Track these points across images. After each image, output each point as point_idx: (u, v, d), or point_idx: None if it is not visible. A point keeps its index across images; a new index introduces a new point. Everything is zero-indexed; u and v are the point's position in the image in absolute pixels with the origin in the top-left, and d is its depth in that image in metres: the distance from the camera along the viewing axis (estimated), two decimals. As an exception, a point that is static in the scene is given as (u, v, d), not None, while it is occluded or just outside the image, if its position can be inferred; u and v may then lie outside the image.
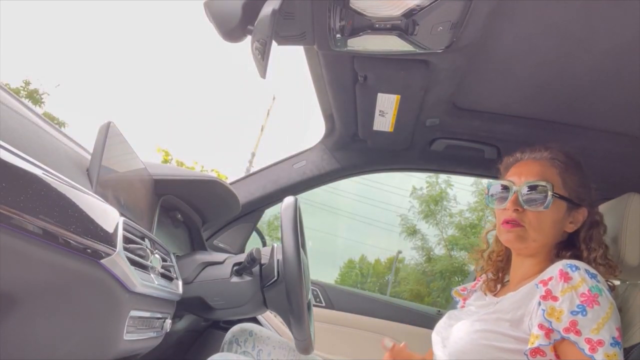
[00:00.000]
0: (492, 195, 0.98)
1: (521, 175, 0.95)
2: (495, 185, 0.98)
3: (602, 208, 1.07)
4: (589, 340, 0.76)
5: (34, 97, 10.55)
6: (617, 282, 1.08)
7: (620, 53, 0.95)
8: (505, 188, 0.95)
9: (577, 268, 0.82)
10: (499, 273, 1.06)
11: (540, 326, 0.81)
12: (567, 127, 1.27)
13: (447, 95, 1.22)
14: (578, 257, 0.91)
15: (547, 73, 1.08)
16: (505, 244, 0.97)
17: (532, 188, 0.91)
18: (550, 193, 0.89)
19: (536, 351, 0.81)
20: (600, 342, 0.75)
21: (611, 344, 0.75)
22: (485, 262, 1.09)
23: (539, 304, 0.83)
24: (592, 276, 0.81)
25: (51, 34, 22.95)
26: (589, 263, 0.89)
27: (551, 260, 0.93)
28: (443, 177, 8.97)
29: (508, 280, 1.04)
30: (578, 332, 0.77)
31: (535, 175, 0.93)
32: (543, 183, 0.91)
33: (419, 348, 1.68)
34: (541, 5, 0.86)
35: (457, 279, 8.55)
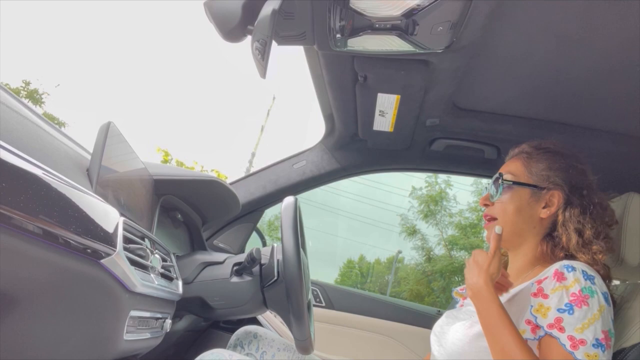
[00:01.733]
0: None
1: None
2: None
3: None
4: (571, 338, 0.76)
5: (34, 97, 10.55)
6: (617, 282, 1.08)
7: (619, 53, 0.95)
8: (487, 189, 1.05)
9: (574, 269, 0.83)
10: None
11: (527, 321, 0.83)
12: (567, 127, 1.27)
13: (447, 95, 1.22)
14: (563, 247, 0.91)
15: (547, 73, 1.08)
16: (487, 240, 1.00)
17: (493, 183, 1.01)
18: (500, 181, 0.98)
19: None
20: (582, 342, 0.76)
21: (593, 345, 0.75)
22: None
23: (530, 300, 0.84)
24: (588, 278, 0.81)
25: (51, 34, 22.96)
26: (574, 251, 0.89)
27: (542, 255, 0.94)
28: (442, 177, 8.97)
29: None
30: (562, 329, 0.78)
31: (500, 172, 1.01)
32: (497, 176, 1.00)
33: (419, 348, 1.69)
34: (541, 5, 0.86)
35: (457, 278, 8.54)
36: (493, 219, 0.99)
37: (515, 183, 0.97)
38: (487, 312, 0.81)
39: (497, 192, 0.99)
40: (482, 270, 0.84)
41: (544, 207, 0.94)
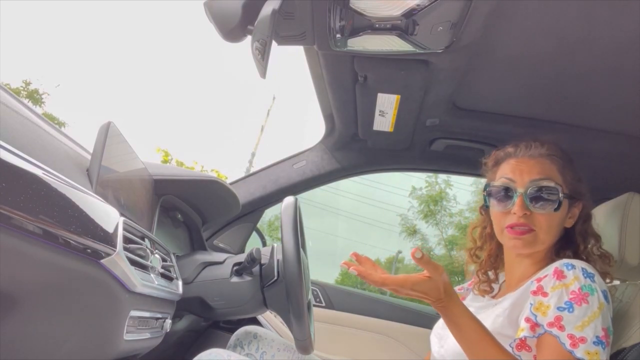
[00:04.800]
0: (491, 197, 0.94)
1: (522, 173, 0.90)
2: (496, 186, 0.93)
3: (602, 208, 1.07)
4: (571, 336, 0.76)
5: (34, 97, 10.56)
6: (617, 282, 1.08)
7: (620, 53, 0.94)
8: (507, 189, 0.91)
9: (573, 267, 0.82)
10: (493, 272, 1.05)
11: (527, 319, 0.82)
12: (567, 127, 1.27)
13: (447, 95, 1.22)
14: (575, 252, 0.91)
15: (547, 73, 1.08)
16: (512, 249, 0.94)
17: (541, 189, 0.88)
18: (561, 195, 0.87)
19: (521, 345, 0.82)
20: (582, 339, 0.75)
21: (594, 342, 0.75)
22: (478, 263, 1.07)
23: (529, 298, 0.84)
24: (588, 275, 0.81)
25: (51, 34, 22.97)
26: (585, 256, 0.89)
27: (550, 258, 0.92)
28: (442, 176, 8.96)
29: (504, 281, 1.03)
30: (562, 328, 0.77)
31: (538, 174, 0.89)
32: (552, 184, 0.88)
33: (419, 348, 1.69)
34: (541, 5, 0.86)
35: (457, 278, 8.54)
36: (531, 230, 0.88)
37: (567, 196, 0.89)
38: (459, 320, 0.80)
39: (555, 202, 0.87)
40: (438, 282, 0.77)
41: (569, 218, 0.93)
